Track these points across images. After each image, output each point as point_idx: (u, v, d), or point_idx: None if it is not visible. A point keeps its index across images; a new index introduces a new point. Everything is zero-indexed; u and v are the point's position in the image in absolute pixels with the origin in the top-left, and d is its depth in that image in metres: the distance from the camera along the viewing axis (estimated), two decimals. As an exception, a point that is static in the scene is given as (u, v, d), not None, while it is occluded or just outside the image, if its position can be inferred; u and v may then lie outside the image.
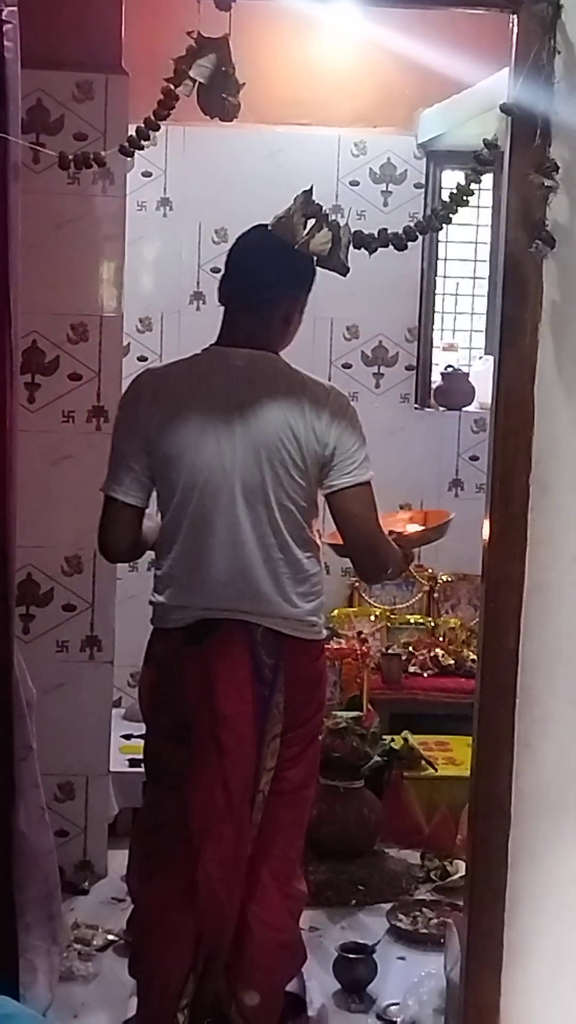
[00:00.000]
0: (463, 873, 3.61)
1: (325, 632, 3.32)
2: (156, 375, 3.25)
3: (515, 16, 2.84)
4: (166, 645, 3.21)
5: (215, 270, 5.63)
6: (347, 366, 5.87)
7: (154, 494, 3.23)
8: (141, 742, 4.98)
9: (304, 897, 3.37)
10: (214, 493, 3.10)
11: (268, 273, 3.15)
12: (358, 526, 3.18)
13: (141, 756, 4.80)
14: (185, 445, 3.10)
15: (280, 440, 3.08)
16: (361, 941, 4.03)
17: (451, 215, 2.83)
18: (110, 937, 4.08)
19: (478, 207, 5.90)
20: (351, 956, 3.91)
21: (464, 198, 2.80)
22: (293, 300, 3.25)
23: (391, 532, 3.42)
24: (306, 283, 3.25)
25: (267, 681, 3.14)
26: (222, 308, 3.27)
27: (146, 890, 3.27)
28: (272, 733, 3.15)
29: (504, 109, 2.83)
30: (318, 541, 3.25)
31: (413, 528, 3.64)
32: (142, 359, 5.56)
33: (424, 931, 4.22)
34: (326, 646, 4.81)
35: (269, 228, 2.86)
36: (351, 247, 2.83)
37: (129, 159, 3.12)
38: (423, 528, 3.65)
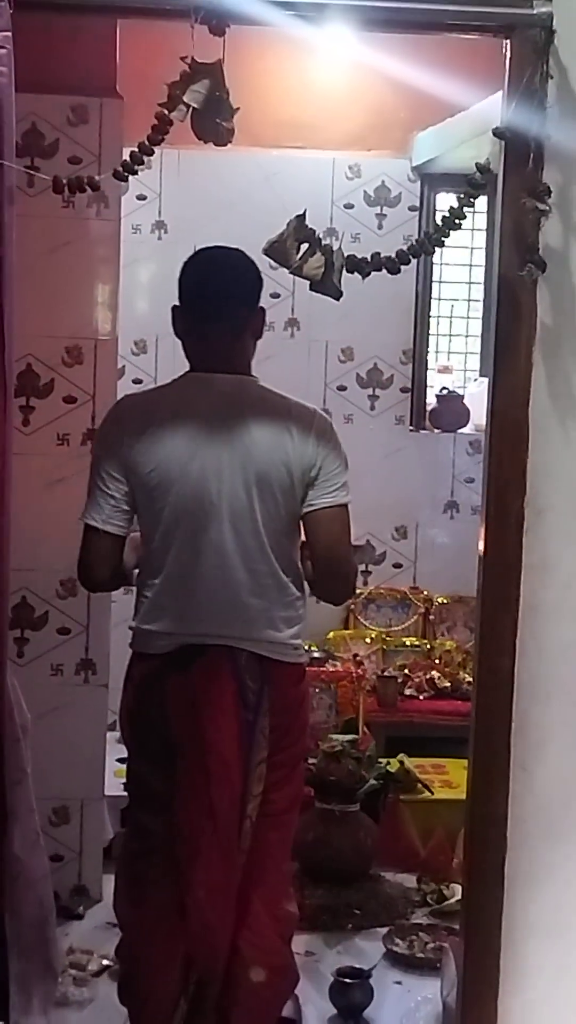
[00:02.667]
0: (460, 897, 3.60)
1: (306, 655, 3.30)
2: (135, 402, 3.24)
3: (508, 41, 2.86)
4: (148, 669, 3.18)
5: (210, 292, 5.66)
6: (342, 388, 5.88)
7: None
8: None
9: (295, 919, 3.34)
10: (201, 519, 3.07)
11: (232, 291, 3.13)
12: (333, 547, 3.15)
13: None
14: (170, 472, 3.08)
15: (269, 464, 3.07)
16: (357, 966, 4.01)
17: (443, 239, 2.84)
18: (105, 962, 4.06)
19: (472, 229, 5.92)
20: (347, 981, 3.90)
21: (457, 222, 2.82)
22: (260, 313, 3.23)
23: None
24: (259, 289, 3.23)
25: (252, 706, 3.11)
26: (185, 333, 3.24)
27: (133, 915, 3.25)
28: (258, 758, 3.12)
29: (497, 133, 2.84)
30: (300, 565, 3.22)
31: None
32: (137, 382, 5.58)
33: (420, 955, 4.20)
34: (322, 669, 4.81)
35: (264, 251, 2.86)
36: (344, 271, 2.84)
37: (124, 182, 3.12)
38: None
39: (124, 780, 4.77)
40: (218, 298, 3.17)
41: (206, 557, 3.09)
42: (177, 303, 3.23)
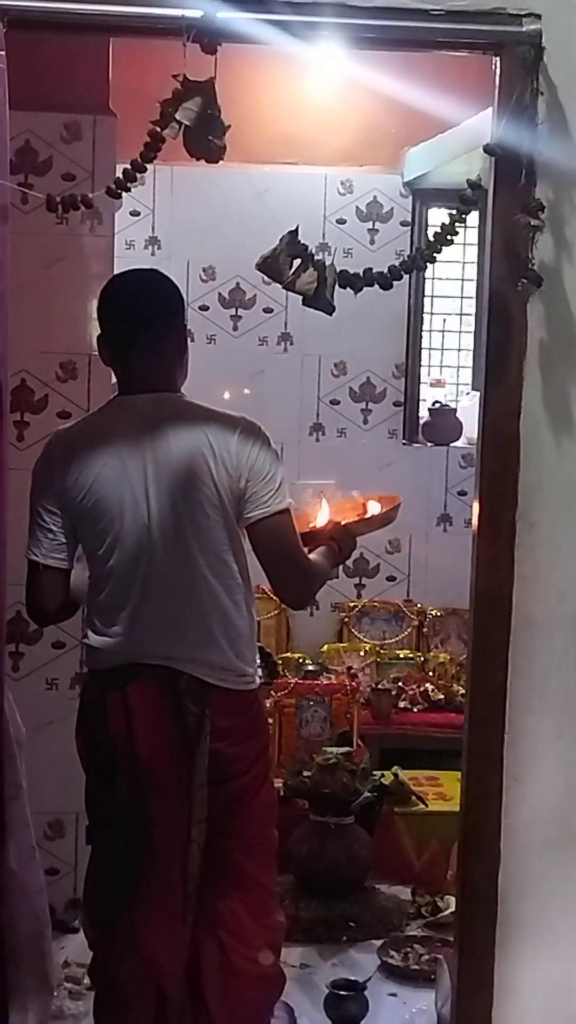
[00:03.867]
0: (454, 909, 3.61)
1: (258, 682, 3.22)
2: (64, 435, 3.21)
3: (498, 58, 2.89)
4: (94, 687, 3.17)
5: (203, 308, 5.70)
6: (335, 402, 5.90)
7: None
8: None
9: (282, 927, 3.33)
10: (135, 542, 3.04)
11: (148, 313, 3.11)
12: (278, 558, 3.09)
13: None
14: (101, 498, 3.06)
15: (193, 480, 3.02)
16: (352, 978, 4.01)
17: (435, 255, 2.86)
18: (100, 976, 4.06)
19: (464, 244, 5.94)
20: (342, 993, 3.90)
21: (448, 238, 2.84)
22: (179, 329, 3.21)
23: (337, 524, 3.39)
24: (178, 313, 3.22)
25: (192, 729, 3.05)
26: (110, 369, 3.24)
27: (99, 936, 3.23)
28: (198, 782, 3.06)
29: (488, 150, 2.86)
30: (248, 584, 3.17)
31: (374, 508, 3.58)
32: (131, 396, 5.58)
33: (415, 967, 4.21)
34: (316, 682, 4.79)
35: (257, 267, 2.88)
36: (337, 286, 2.86)
37: (117, 199, 3.15)
38: (371, 516, 3.57)
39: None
40: (129, 323, 3.15)
41: (143, 579, 3.06)
42: (100, 333, 3.23)
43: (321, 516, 3.47)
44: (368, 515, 3.50)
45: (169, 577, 3.05)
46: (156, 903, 3.07)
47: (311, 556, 3.21)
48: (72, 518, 3.12)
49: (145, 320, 3.13)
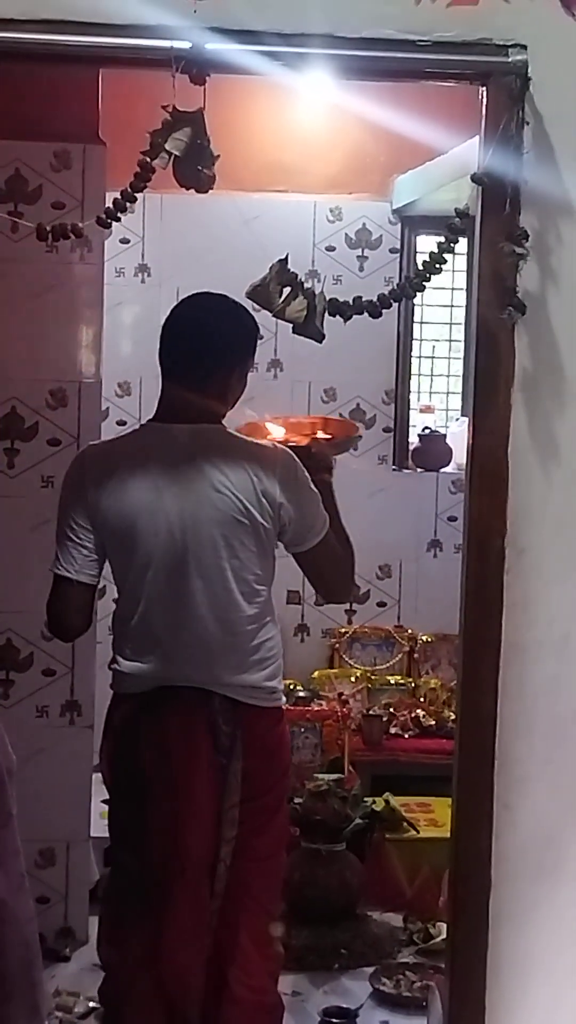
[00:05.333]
0: (445, 935, 3.60)
1: (284, 698, 3.31)
2: (98, 452, 3.24)
3: (484, 88, 2.90)
4: (124, 711, 3.20)
5: (193, 335, 5.69)
6: (325, 428, 5.91)
7: None
8: (122, 807, 4.99)
9: (281, 958, 3.35)
10: (168, 567, 3.08)
11: (199, 346, 3.12)
12: (330, 576, 3.25)
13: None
14: (133, 522, 3.08)
15: (232, 511, 3.06)
16: (344, 1005, 4.02)
17: (424, 283, 2.88)
18: (92, 1004, 4.04)
19: (453, 271, 5.97)
20: (334, 1021, 3.90)
21: (437, 266, 2.85)
22: (228, 369, 3.21)
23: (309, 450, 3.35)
24: (246, 350, 3.25)
25: (224, 749, 3.11)
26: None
27: (115, 956, 3.25)
28: (230, 802, 3.11)
29: (475, 179, 2.88)
30: (273, 604, 3.25)
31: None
32: (121, 423, 5.60)
33: (407, 994, 4.20)
34: (307, 708, 4.82)
35: (247, 295, 2.90)
36: (326, 314, 2.87)
37: (107, 228, 3.17)
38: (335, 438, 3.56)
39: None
40: (178, 352, 3.18)
41: (174, 604, 3.10)
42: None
43: (275, 432, 3.50)
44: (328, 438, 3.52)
45: (204, 605, 3.10)
46: (181, 923, 3.09)
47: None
48: (102, 537, 3.14)
49: (196, 354, 3.16)
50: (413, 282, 2.88)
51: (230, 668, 3.13)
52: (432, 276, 2.87)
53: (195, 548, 3.07)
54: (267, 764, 3.19)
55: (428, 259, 2.86)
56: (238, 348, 3.23)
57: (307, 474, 3.16)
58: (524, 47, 2.86)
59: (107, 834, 4.66)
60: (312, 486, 3.16)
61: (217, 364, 3.18)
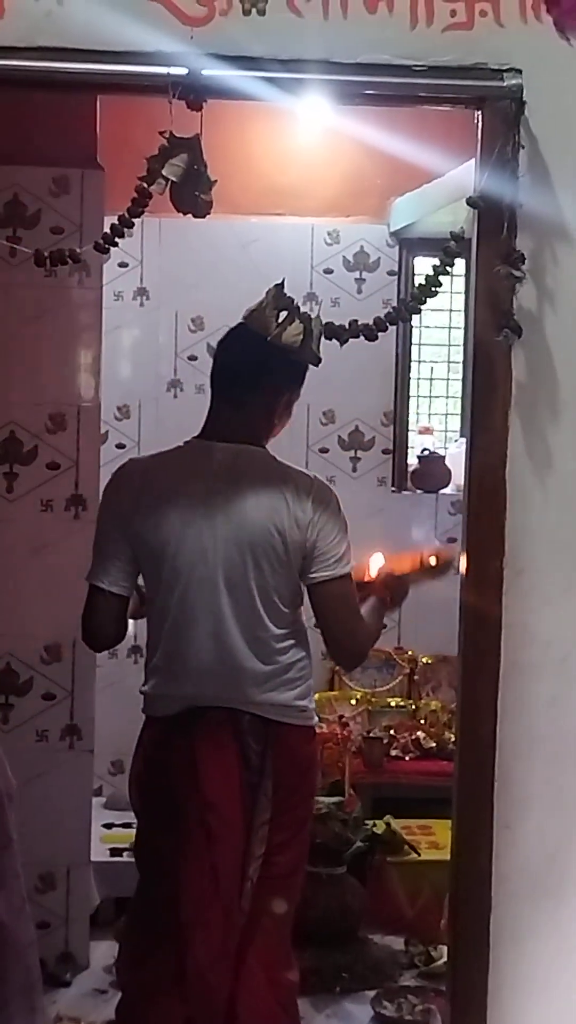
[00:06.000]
0: (447, 958, 3.59)
1: (316, 718, 3.34)
2: (139, 466, 3.28)
3: (480, 112, 2.92)
4: (155, 733, 3.23)
5: (192, 358, 5.72)
6: (324, 451, 5.92)
7: None
8: (122, 831, 5.01)
9: (294, 987, 3.34)
10: (197, 585, 3.12)
11: (249, 367, 3.16)
12: (338, 618, 3.21)
13: (122, 846, 4.81)
14: (169, 537, 3.12)
15: (263, 533, 3.11)
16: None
17: (420, 306, 2.89)
18: (92, 1030, 4.05)
19: (451, 292, 5.99)
20: (336, 1045, 3.88)
21: (433, 289, 2.86)
22: (276, 395, 3.27)
23: (390, 573, 3.50)
24: (293, 378, 3.28)
25: (255, 767, 3.15)
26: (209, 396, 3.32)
27: (133, 978, 3.26)
28: (260, 820, 3.15)
29: (471, 202, 2.90)
30: (304, 626, 3.28)
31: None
32: (120, 446, 5.61)
33: (409, 1018, 4.19)
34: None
35: (244, 319, 2.91)
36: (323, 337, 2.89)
37: (105, 254, 3.19)
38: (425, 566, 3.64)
39: (112, 846, 4.81)
40: (227, 374, 3.24)
41: (203, 621, 3.13)
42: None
43: (373, 566, 3.57)
44: (423, 566, 3.58)
45: (233, 623, 3.13)
46: (212, 942, 3.10)
47: (362, 609, 3.31)
48: (136, 551, 3.18)
49: (246, 375, 3.19)
50: (409, 305, 2.89)
51: (259, 687, 3.16)
52: (428, 299, 2.88)
53: (226, 566, 3.11)
54: (296, 782, 3.23)
55: (424, 282, 2.87)
56: (290, 374, 3.26)
57: (339, 503, 3.21)
58: (519, 71, 2.88)
59: (108, 859, 4.72)
60: (343, 517, 3.20)
61: (267, 387, 3.23)
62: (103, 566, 3.21)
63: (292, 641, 3.22)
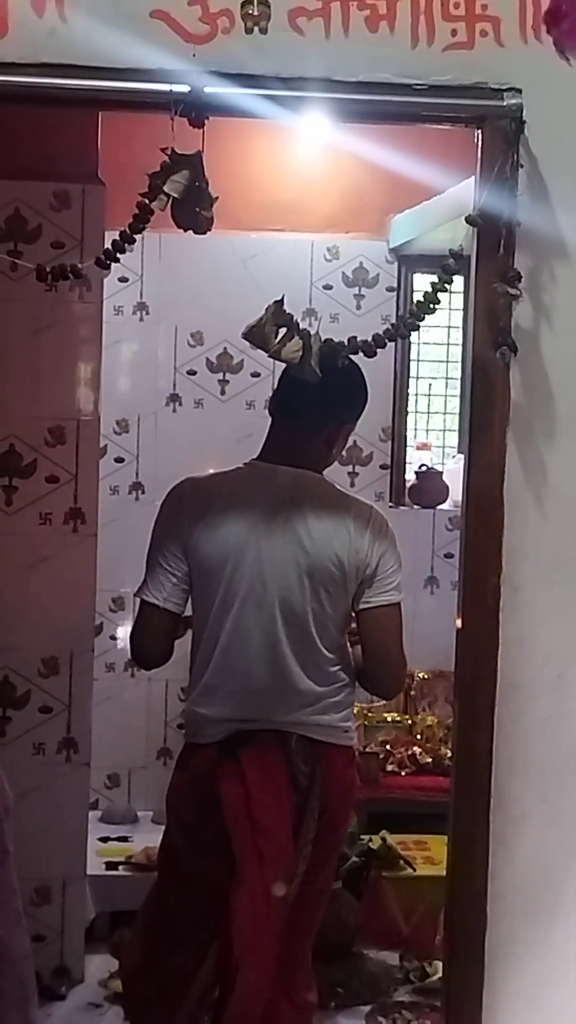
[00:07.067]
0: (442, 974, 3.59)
1: (355, 739, 3.38)
2: (198, 485, 3.28)
3: (480, 131, 2.94)
4: (201, 759, 3.23)
5: (191, 372, 5.72)
6: (323, 466, 5.92)
7: None
8: (118, 845, 5.01)
9: (313, 1009, 3.35)
10: (253, 607, 3.15)
11: (316, 395, 3.10)
12: (387, 644, 3.27)
13: (118, 859, 4.81)
14: (226, 557, 3.15)
15: (324, 559, 3.14)
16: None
17: (418, 323, 2.90)
18: (87, 1043, 4.04)
19: (450, 309, 6.00)
20: (330, 1060, 3.87)
21: (431, 306, 2.87)
22: (339, 424, 3.32)
23: None
24: (356, 409, 3.34)
25: (303, 789, 3.18)
26: (269, 420, 3.36)
27: (145, 989, 3.31)
28: (307, 839, 3.17)
29: (470, 220, 2.91)
30: (349, 651, 3.31)
31: None
32: (119, 460, 5.62)
33: (404, 1034, 4.19)
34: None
35: (243, 336, 2.92)
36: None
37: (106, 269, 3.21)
38: None
39: (107, 860, 4.81)
40: (293, 403, 3.25)
41: (256, 644, 3.16)
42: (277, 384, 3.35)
43: None
44: None
45: (287, 646, 3.16)
46: (259, 966, 3.11)
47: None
48: (192, 568, 3.20)
49: (312, 402, 3.18)
50: (407, 322, 2.90)
51: (312, 708, 3.19)
52: (426, 316, 2.89)
53: (283, 590, 3.14)
54: (341, 801, 3.27)
55: (422, 299, 2.88)
56: (353, 404, 3.32)
57: (393, 533, 3.26)
58: (519, 91, 2.90)
59: (103, 872, 4.72)
60: (397, 549, 3.26)
61: (332, 415, 3.27)
62: (158, 581, 3.22)
63: (340, 666, 3.26)
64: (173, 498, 3.27)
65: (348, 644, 3.31)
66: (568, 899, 3.03)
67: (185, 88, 2.79)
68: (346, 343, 2.91)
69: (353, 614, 3.26)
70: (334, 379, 2.94)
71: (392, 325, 2.92)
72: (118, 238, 2.88)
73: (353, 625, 3.32)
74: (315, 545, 3.14)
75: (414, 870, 4.97)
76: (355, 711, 5.65)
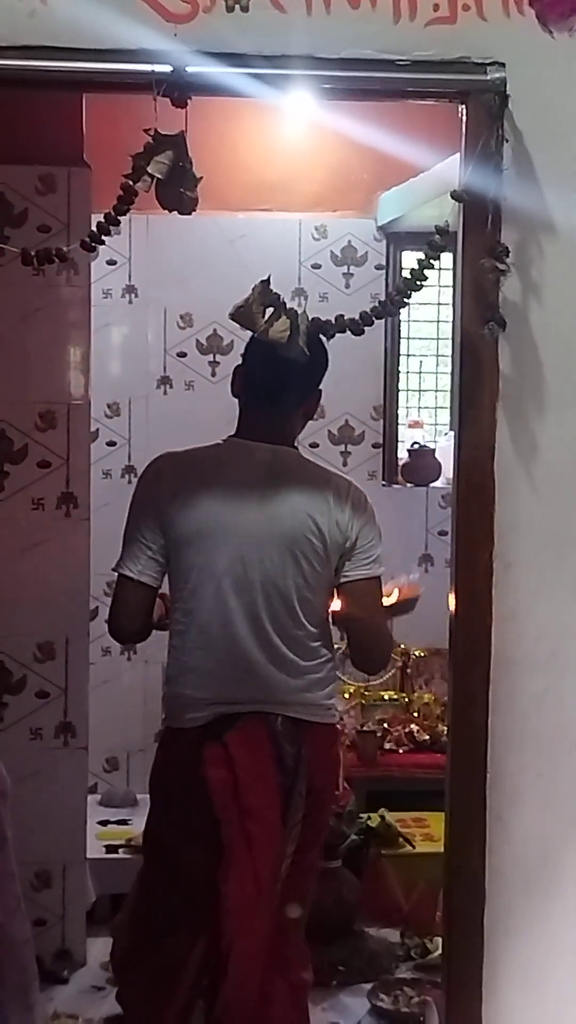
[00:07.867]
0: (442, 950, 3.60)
1: (337, 715, 3.37)
2: (176, 459, 3.27)
3: (464, 106, 2.93)
4: (184, 745, 3.20)
5: (181, 354, 5.71)
6: (314, 445, 5.90)
7: None
8: (117, 828, 5.02)
9: (308, 985, 3.35)
10: (234, 584, 3.13)
11: (291, 370, 3.09)
12: (366, 619, 3.26)
13: (118, 842, 4.81)
14: (203, 533, 3.13)
15: (303, 532, 3.13)
16: (342, 1022, 4.00)
17: (406, 300, 2.89)
18: (89, 1026, 4.05)
19: (439, 286, 5.99)
20: (333, 1038, 3.89)
21: (418, 283, 2.87)
22: (314, 394, 3.32)
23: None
24: (322, 373, 3.31)
25: (289, 769, 3.16)
26: (237, 400, 3.33)
27: (138, 972, 3.29)
28: (294, 820, 3.16)
29: (455, 196, 2.91)
30: (330, 626, 3.30)
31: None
32: (111, 444, 5.61)
33: (405, 1010, 4.19)
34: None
35: (230, 316, 2.91)
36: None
37: (92, 252, 3.19)
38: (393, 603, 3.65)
39: (107, 843, 4.82)
40: (272, 382, 3.21)
41: (236, 621, 3.14)
42: (241, 364, 3.31)
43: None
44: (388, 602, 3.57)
45: (269, 622, 3.15)
46: (257, 947, 3.11)
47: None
48: (168, 542, 3.18)
49: (285, 382, 3.18)
50: (394, 299, 2.90)
51: (294, 687, 3.18)
52: (413, 293, 2.88)
53: (259, 565, 3.13)
54: (325, 779, 3.27)
55: (409, 276, 2.87)
56: (322, 371, 3.30)
57: (373, 510, 3.25)
58: (502, 65, 2.89)
59: (103, 855, 4.72)
60: (376, 522, 3.24)
61: (304, 389, 3.27)
62: (133, 555, 3.20)
63: (323, 640, 3.25)
64: (150, 472, 3.26)
65: (329, 620, 3.30)
66: (565, 873, 3.04)
67: (167, 68, 2.79)
68: (334, 321, 2.90)
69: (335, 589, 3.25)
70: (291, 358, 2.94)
71: (380, 303, 2.92)
72: (103, 220, 2.87)
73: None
74: (294, 520, 3.13)
75: (413, 847, 4.98)
76: (352, 690, 5.77)
